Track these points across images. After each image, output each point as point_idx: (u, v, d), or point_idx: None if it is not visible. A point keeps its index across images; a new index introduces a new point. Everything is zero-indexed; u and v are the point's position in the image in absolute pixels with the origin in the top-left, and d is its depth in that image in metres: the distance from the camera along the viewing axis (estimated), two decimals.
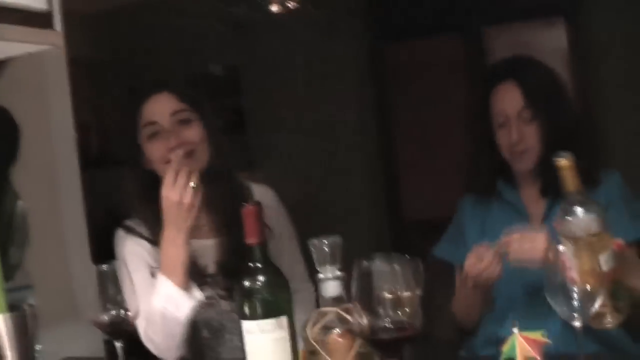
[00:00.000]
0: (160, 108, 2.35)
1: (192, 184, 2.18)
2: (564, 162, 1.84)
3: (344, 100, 5.13)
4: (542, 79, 2.42)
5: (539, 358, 1.64)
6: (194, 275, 2.28)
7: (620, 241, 1.75)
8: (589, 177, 2.34)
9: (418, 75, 5.82)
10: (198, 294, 2.24)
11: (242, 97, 5.20)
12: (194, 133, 2.35)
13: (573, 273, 1.59)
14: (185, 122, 2.35)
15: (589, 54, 4.65)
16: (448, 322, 2.65)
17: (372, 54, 5.25)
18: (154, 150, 2.34)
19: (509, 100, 2.38)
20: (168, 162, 2.29)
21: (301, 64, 4.92)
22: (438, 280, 2.47)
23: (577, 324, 1.63)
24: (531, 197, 2.43)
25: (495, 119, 2.40)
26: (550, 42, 5.52)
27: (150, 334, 2.27)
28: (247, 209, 1.65)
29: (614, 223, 2.21)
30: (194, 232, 2.26)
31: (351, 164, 5.13)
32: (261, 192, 2.51)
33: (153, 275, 2.31)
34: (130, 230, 2.41)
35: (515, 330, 1.67)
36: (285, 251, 2.44)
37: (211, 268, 2.36)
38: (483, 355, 2.35)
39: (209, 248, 2.37)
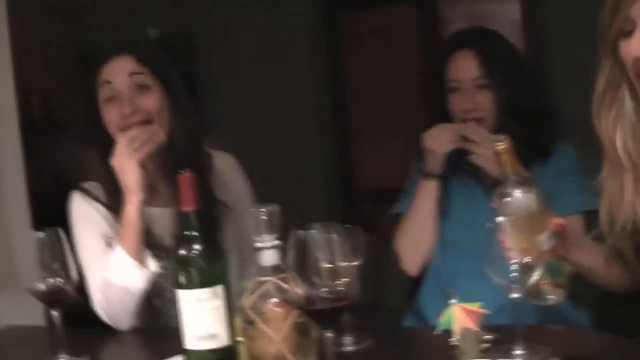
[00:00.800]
0: (118, 69, 2.28)
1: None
2: (501, 146, 1.83)
3: (298, 69, 5.10)
4: (499, 50, 2.43)
5: (476, 328, 1.64)
6: (150, 244, 2.25)
7: (560, 220, 1.74)
8: (540, 149, 2.35)
9: (372, 44, 5.79)
10: (153, 265, 2.21)
11: (194, 64, 5.14)
12: (152, 101, 2.27)
13: (511, 251, 1.58)
14: (143, 88, 2.27)
15: (543, 28, 4.65)
16: (398, 290, 2.66)
17: (326, 23, 5.21)
18: (109, 115, 2.28)
19: (463, 67, 2.38)
20: (123, 129, 2.24)
21: (255, 31, 4.86)
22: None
23: (515, 295, 1.62)
24: None
25: (449, 85, 2.40)
26: (504, 14, 5.53)
27: (103, 304, 2.24)
28: (182, 177, 1.62)
29: (561, 195, 2.24)
30: (152, 200, 2.25)
31: (304, 132, 5.10)
32: (222, 160, 2.48)
33: (109, 244, 2.27)
34: (88, 193, 2.36)
35: (453, 301, 1.66)
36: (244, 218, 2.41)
37: (167, 237, 2.32)
38: (425, 322, 2.34)
39: (165, 217, 2.32)
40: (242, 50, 5.05)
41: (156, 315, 2.33)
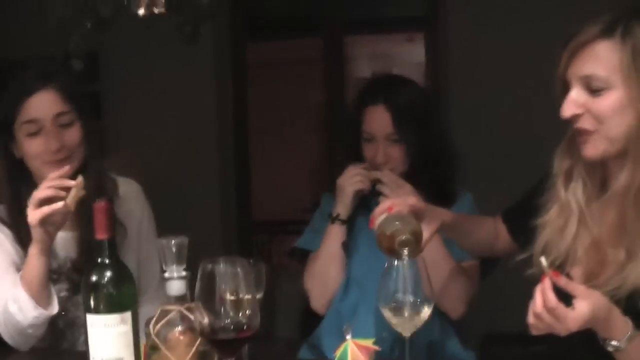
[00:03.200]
0: (44, 108, 2.30)
1: (76, 192, 2.10)
2: None
3: (203, 93, 5.12)
4: (412, 102, 2.51)
5: None
6: (52, 267, 2.27)
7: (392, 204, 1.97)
8: (445, 197, 2.48)
9: (278, 74, 5.90)
10: (54, 308, 2.21)
11: (99, 82, 5.11)
12: (75, 136, 2.32)
13: None
14: (67, 125, 2.31)
15: (446, 69, 4.78)
16: (291, 321, 2.73)
17: (235, 51, 5.27)
18: (32, 148, 2.31)
19: (377, 122, 2.47)
20: (46, 162, 2.28)
21: (162, 54, 4.88)
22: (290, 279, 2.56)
23: (405, 334, 1.75)
24: None
25: (363, 134, 2.50)
26: (409, 56, 5.69)
27: (0, 323, 2.26)
28: (98, 205, 1.68)
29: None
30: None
31: (206, 158, 5.13)
32: (127, 187, 2.52)
33: (18, 269, 2.27)
34: None
35: (348, 336, 1.76)
36: (143, 246, 2.48)
37: (70, 260, 2.36)
38: (322, 355, 2.44)
39: (70, 240, 2.37)
40: (148, 71, 5.06)
41: (59, 336, 2.37)
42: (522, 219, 2.00)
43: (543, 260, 1.66)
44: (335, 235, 2.47)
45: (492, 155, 4.31)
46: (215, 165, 5.15)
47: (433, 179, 2.48)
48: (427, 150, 2.48)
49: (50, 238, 2.15)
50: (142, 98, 5.06)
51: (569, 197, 1.86)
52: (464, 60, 4.60)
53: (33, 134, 2.30)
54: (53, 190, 2.08)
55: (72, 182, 2.09)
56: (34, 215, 2.09)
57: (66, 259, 2.36)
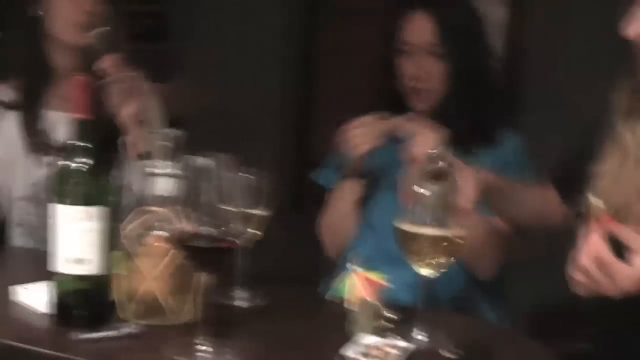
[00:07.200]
0: None
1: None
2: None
3: (269, 21, 4.93)
4: (460, 15, 2.22)
5: (370, 300, 1.47)
6: (42, 146, 2.19)
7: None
8: (485, 133, 2.18)
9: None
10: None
11: (162, 3, 4.95)
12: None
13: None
14: None
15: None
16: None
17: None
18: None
19: (418, 30, 2.18)
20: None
21: None
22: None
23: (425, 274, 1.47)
24: None
25: (400, 48, 2.21)
26: None
27: None
28: (76, 80, 1.44)
29: None
30: (52, 102, 2.21)
31: (268, 86, 4.94)
32: None
33: None
34: None
35: (353, 266, 1.49)
36: None
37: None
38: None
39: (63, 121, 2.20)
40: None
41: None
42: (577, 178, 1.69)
43: (595, 201, 1.37)
44: (347, 191, 2.20)
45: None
46: (277, 99, 4.97)
47: (475, 108, 2.17)
48: (473, 70, 2.17)
49: None
50: (204, 20, 4.90)
51: (627, 138, 1.57)
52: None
53: None
54: None
55: None
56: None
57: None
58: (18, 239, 2.27)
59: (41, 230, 2.19)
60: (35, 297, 1.55)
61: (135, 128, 2.06)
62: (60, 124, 2.20)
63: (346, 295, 1.52)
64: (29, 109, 2.23)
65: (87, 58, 2.19)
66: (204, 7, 4.90)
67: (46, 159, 2.20)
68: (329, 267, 2.33)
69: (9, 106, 2.24)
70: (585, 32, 3.84)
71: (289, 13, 5.00)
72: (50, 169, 2.10)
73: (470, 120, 2.14)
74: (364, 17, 5.22)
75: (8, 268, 2.11)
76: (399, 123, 2.06)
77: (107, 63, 2.00)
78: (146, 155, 2.06)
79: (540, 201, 1.97)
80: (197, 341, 1.37)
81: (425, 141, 1.97)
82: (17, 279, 1.65)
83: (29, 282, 1.62)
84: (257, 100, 4.87)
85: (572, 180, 1.75)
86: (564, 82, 3.83)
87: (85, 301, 1.47)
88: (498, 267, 2.12)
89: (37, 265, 1.92)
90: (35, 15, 2.21)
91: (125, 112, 2.02)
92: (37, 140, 2.21)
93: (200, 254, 1.35)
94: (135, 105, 2.03)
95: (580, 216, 1.56)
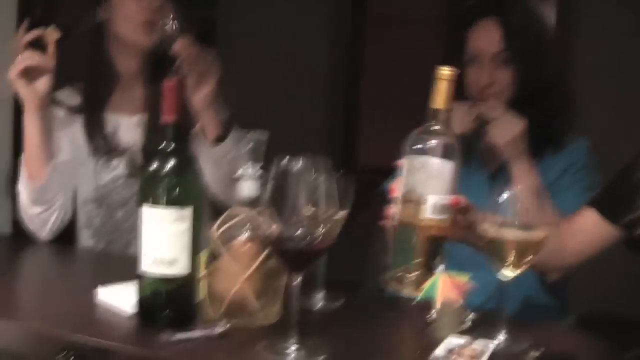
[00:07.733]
0: None
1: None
2: (447, 72, 1.59)
3: (318, 27, 4.94)
4: (526, 22, 2.22)
5: (459, 302, 1.48)
6: (112, 151, 2.22)
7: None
8: (554, 138, 2.17)
9: (397, 18, 5.59)
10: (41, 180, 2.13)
11: (216, 9, 4.98)
12: None
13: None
14: None
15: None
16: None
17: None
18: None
19: (486, 38, 2.19)
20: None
21: None
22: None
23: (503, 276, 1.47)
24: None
25: (468, 55, 2.21)
26: None
27: None
28: (168, 83, 1.45)
29: (565, 191, 2.07)
30: (121, 106, 2.24)
31: (315, 95, 4.95)
32: None
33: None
34: None
35: (441, 268, 1.50)
36: None
37: (131, 145, 2.26)
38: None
39: (133, 124, 2.26)
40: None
41: (118, 228, 2.26)
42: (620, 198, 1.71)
43: None
44: None
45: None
46: (324, 105, 4.97)
47: (543, 114, 2.16)
48: (540, 76, 2.17)
49: (37, 98, 2.05)
50: (255, 27, 4.91)
51: None
52: None
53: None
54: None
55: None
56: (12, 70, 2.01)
57: (126, 143, 2.24)
58: (87, 241, 2.29)
59: (107, 232, 2.25)
60: (121, 298, 1.56)
61: (209, 111, 2.09)
62: (124, 127, 2.24)
63: (432, 296, 1.52)
64: (94, 112, 2.24)
65: (152, 60, 2.24)
66: (250, 15, 4.94)
67: (112, 162, 2.22)
68: (376, 268, 2.33)
69: (75, 110, 2.25)
70: None
71: (337, 28, 5.02)
72: (137, 172, 2.16)
73: (539, 126, 2.13)
74: (415, 25, 5.27)
75: (84, 270, 2.14)
76: (485, 109, 2.11)
77: (181, 45, 2.00)
78: (219, 139, 2.09)
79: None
80: (287, 343, 1.38)
81: (507, 126, 2.04)
82: (96, 281, 1.66)
83: (107, 283, 1.64)
84: (303, 105, 4.90)
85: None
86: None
87: (172, 302, 1.47)
88: (566, 267, 2.11)
89: (113, 267, 1.96)
90: (100, 19, 2.23)
91: (200, 94, 2.05)
92: (102, 144, 2.22)
93: (292, 256, 1.36)
94: (209, 87, 2.05)
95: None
